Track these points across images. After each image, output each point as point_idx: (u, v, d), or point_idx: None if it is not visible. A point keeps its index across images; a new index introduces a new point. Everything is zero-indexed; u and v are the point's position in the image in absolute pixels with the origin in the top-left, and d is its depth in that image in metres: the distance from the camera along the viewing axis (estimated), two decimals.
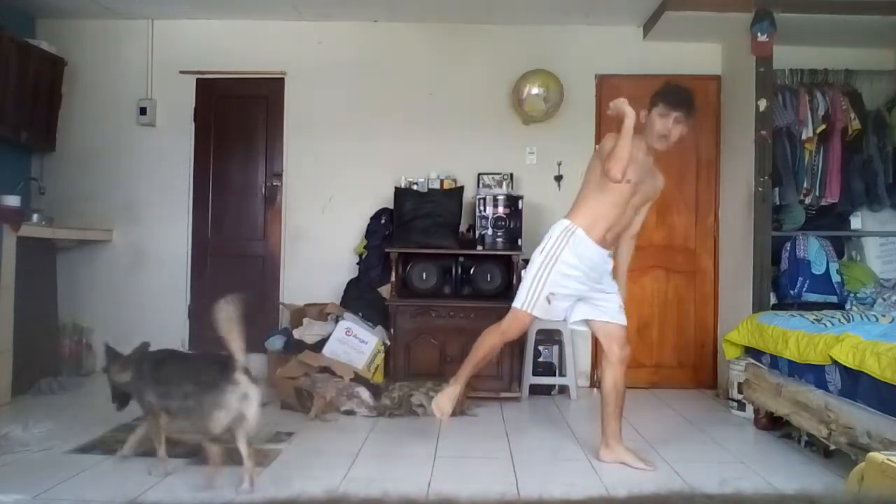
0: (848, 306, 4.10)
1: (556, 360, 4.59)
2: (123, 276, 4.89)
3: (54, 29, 4.90)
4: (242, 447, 2.45)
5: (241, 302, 2.53)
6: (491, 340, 3.10)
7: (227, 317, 2.46)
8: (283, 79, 4.93)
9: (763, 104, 4.13)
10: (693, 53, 4.81)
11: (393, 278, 4.36)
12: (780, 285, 4.24)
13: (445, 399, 3.10)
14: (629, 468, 2.94)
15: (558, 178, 4.83)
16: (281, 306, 4.82)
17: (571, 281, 2.96)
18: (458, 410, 3.81)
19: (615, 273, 3.15)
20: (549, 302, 2.96)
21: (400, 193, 4.52)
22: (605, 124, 4.87)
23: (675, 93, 2.96)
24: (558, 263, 2.93)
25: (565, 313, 3.07)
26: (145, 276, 4.87)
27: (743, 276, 4.28)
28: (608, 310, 3.04)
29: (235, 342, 2.46)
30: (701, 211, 4.87)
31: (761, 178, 4.13)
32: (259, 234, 4.99)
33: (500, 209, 4.44)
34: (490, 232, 4.44)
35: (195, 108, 4.96)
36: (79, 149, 4.91)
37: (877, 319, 3.19)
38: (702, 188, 4.86)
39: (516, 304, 3.02)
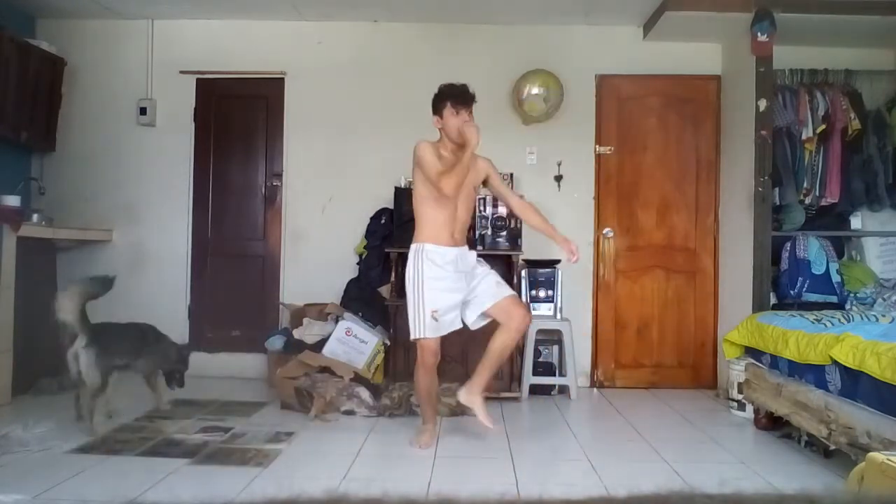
0: (848, 306, 4.10)
1: (556, 360, 4.59)
2: (123, 276, 4.87)
3: (54, 29, 4.90)
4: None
5: (82, 289, 3.29)
6: (420, 377, 3.24)
7: (67, 303, 3.18)
8: (283, 79, 4.93)
9: (763, 104, 4.13)
10: (693, 53, 4.81)
11: (393, 278, 4.36)
12: (780, 285, 4.24)
13: (426, 437, 3.22)
14: (628, 468, 2.94)
15: (558, 178, 4.83)
16: (281, 306, 4.82)
17: (444, 292, 3.14)
18: (459, 410, 3.82)
19: (543, 233, 3.44)
20: (437, 319, 3.12)
21: (400, 193, 4.52)
22: (605, 124, 4.88)
23: (457, 92, 3.21)
24: (425, 281, 3.12)
25: (459, 322, 3.22)
26: (145, 276, 4.87)
27: (743, 276, 4.28)
28: (489, 293, 3.21)
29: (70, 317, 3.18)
30: (701, 211, 4.87)
31: (761, 178, 4.13)
32: (259, 234, 4.99)
33: (501, 209, 4.44)
34: (490, 232, 4.44)
35: (195, 108, 4.96)
36: (79, 149, 4.91)
37: (877, 319, 3.19)
38: (702, 188, 4.86)
39: (412, 336, 3.18)
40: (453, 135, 3.19)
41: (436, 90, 3.29)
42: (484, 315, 3.23)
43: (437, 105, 3.24)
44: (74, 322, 3.17)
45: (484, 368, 3.20)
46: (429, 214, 3.19)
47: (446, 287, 3.15)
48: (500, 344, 3.18)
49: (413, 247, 3.20)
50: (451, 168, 3.08)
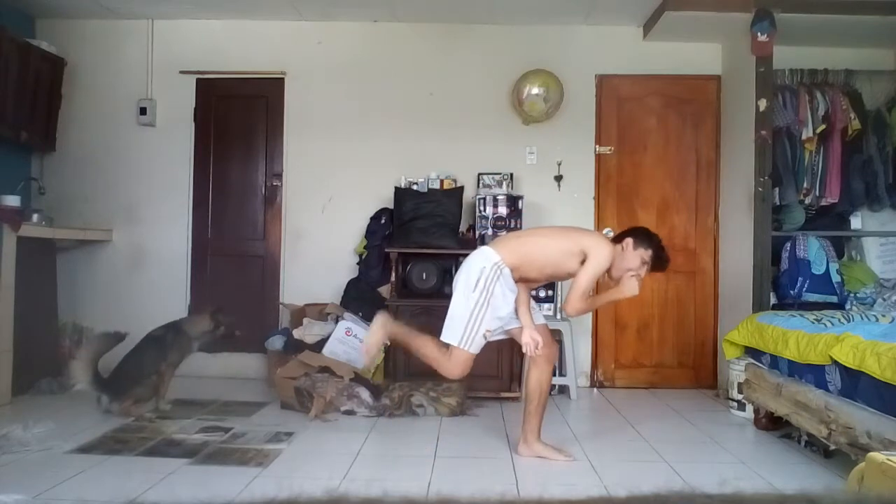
0: (848, 306, 4.10)
1: (555, 360, 4.58)
2: (123, 275, 4.89)
3: (54, 29, 4.90)
4: None
5: (91, 354, 3.55)
6: (432, 355, 3.06)
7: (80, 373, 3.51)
8: (283, 79, 4.93)
9: (763, 104, 4.13)
10: (693, 53, 4.81)
11: (393, 278, 4.36)
12: (780, 285, 4.24)
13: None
14: (628, 468, 2.94)
15: (558, 178, 4.83)
16: (281, 306, 4.82)
17: (500, 320, 3.01)
18: (459, 410, 3.82)
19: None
20: (486, 339, 3.00)
21: (400, 193, 4.52)
22: (605, 124, 4.88)
23: (663, 257, 3.12)
24: (492, 298, 2.95)
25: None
26: (145, 276, 4.87)
27: (743, 276, 4.28)
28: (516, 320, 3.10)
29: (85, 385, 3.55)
30: (701, 211, 4.87)
31: (761, 178, 4.13)
32: (259, 234, 4.99)
33: (500, 209, 4.44)
34: (490, 232, 4.44)
35: (195, 108, 4.96)
36: (79, 149, 4.91)
37: (877, 319, 3.19)
38: (702, 188, 4.86)
39: (453, 342, 2.97)
40: (620, 270, 3.05)
41: (650, 234, 3.11)
42: (505, 332, 3.12)
43: (639, 243, 3.05)
44: (92, 387, 3.51)
45: (531, 414, 3.06)
46: (538, 262, 3.04)
47: (506, 315, 3.01)
48: (537, 382, 3.06)
49: (492, 257, 2.99)
50: (592, 300, 3.11)
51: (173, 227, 4.92)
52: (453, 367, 3.01)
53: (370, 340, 3.12)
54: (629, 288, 3.02)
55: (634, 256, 3.05)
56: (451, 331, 3.00)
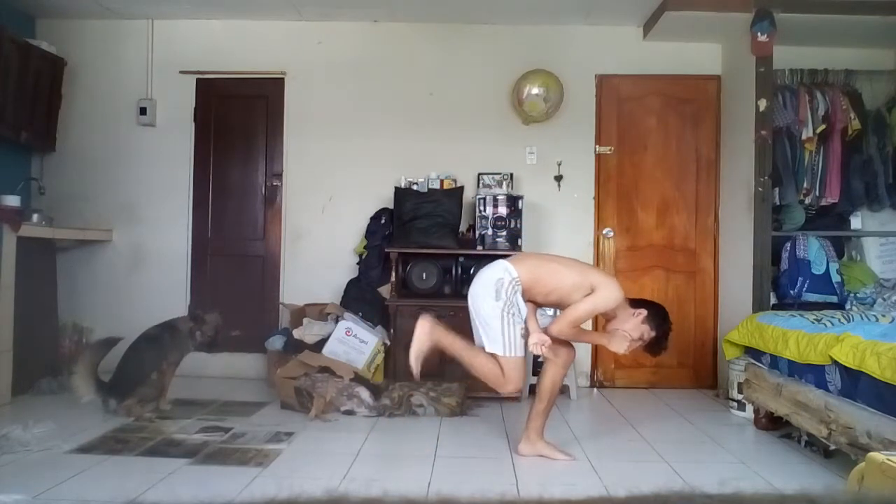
0: (848, 306, 4.10)
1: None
2: (123, 275, 4.89)
3: (54, 29, 4.90)
4: None
5: (89, 361, 3.59)
6: (484, 369, 2.95)
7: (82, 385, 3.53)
8: (283, 79, 4.93)
9: (763, 104, 4.13)
10: (693, 53, 4.81)
11: (393, 278, 4.36)
12: (780, 285, 4.24)
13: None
14: (628, 468, 2.94)
15: (558, 178, 4.83)
16: (281, 306, 4.82)
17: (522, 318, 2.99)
18: (459, 411, 3.82)
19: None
20: (523, 337, 2.95)
21: (400, 193, 4.52)
22: (605, 124, 4.88)
23: (661, 349, 3.10)
24: (516, 298, 2.93)
25: None
26: (145, 276, 4.87)
27: (743, 276, 4.28)
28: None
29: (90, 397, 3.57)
30: (701, 211, 4.87)
31: (761, 178, 4.13)
32: (259, 234, 4.99)
33: (500, 209, 4.44)
34: (490, 232, 4.44)
35: (195, 108, 4.96)
36: (79, 149, 4.91)
37: (877, 319, 3.19)
38: (702, 188, 4.86)
39: (497, 351, 2.90)
40: (617, 324, 3.03)
41: (665, 320, 3.07)
42: None
43: (650, 320, 3.01)
44: (96, 395, 3.54)
45: (539, 414, 3.06)
46: (553, 289, 2.99)
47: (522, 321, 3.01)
48: (551, 382, 3.06)
49: (511, 272, 2.96)
50: (581, 332, 3.09)
51: (173, 227, 4.92)
52: (509, 379, 2.91)
53: (414, 350, 2.94)
54: (617, 344, 2.99)
55: (638, 327, 3.01)
56: (493, 342, 2.91)
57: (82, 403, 3.50)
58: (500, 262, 3.05)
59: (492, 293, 2.93)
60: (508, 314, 2.91)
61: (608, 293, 2.95)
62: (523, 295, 2.99)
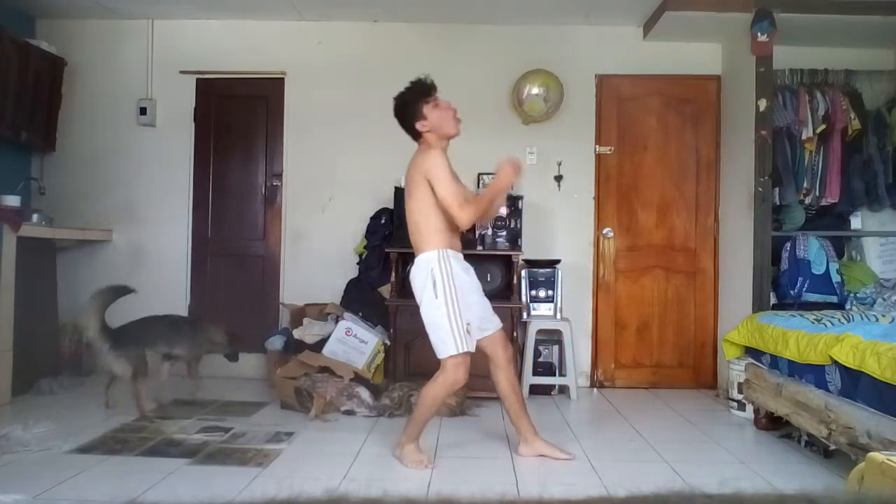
0: (848, 306, 4.10)
1: (556, 360, 4.59)
2: (123, 276, 4.86)
3: (54, 29, 4.90)
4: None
5: (98, 302, 3.57)
6: (440, 396, 2.95)
7: (90, 320, 3.52)
8: (283, 79, 4.93)
9: (763, 104, 4.13)
10: (693, 53, 4.81)
11: (393, 278, 4.36)
12: (780, 285, 4.24)
13: (411, 457, 2.93)
14: (628, 468, 2.94)
15: (558, 178, 4.83)
16: (281, 306, 4.82)
17: (475, 305, 2.94)
18: (459, 410, 3.82)
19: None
20: (470, 333, 2.89)
21: (400, 193, 4.51)
22: (605, 124, 4.88)
23: (420, 86, 2.99)
24: (458, 288, 2.87)
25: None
26: (145, 276, 4.86)
27: (743, 276, 4.28)
28: (493, 321, 3.04)
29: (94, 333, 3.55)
30: (701, 211, 4.87)
31: (761, 178, 4.13)
32: (259, 234, 4.99)
33: (500, 209, 4.44)
34: (490, 232, 4.44)
35: (195, 108, 4.96)
36: (79, 149, 4.91)
37: (877, 319, 3.18)
38: (702, 188, 4.86)
39: (449, 353, 2.85)
40: (447, 128, 2.95)
41: (409, 90, 3.00)
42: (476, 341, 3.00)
43: (414, 109, 2.94)
44: (98, 334, 3.51)
45: (518, 415, 3.07)
46: (439, 219, 2.89)
47: (476, 299, 2.96)
48: (508, 383, 3.02)
49: (431, 254, 2.89)
50: (475, 200, 2.90)
51: (173, 227, 4.92)
52: (452, 376, 2.87)
53: (417, 460, 2.92)
54: (504, 172, 2.90)
55: (432, 115, 2.93)
56: (445, 343, 2.86)
57: (84, 340, 3.65)
58: (417, 259, 2.95)
59: (431, 291, 2.86)
60: (450, 304, 2.83)
61: (428, 159, 2.87)
62: (456, 247, 2.95)
